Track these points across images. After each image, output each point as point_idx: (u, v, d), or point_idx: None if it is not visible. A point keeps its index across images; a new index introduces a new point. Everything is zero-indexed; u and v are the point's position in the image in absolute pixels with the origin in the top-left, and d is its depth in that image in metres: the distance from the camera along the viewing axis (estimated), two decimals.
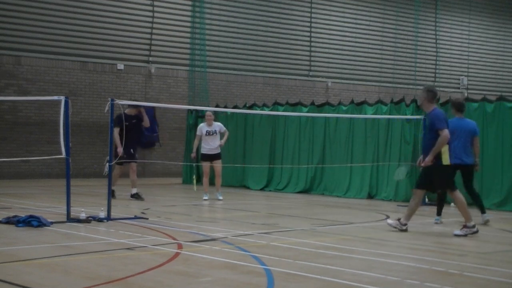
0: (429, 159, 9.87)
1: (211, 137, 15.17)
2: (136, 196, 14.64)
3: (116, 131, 13.81)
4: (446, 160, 9.91)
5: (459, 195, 10.00)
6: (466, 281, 6.67)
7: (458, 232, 9.81)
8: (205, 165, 15.30)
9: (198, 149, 15.60)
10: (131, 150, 14.54)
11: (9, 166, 20.43)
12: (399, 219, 10.24)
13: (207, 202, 14.69)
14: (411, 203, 10.25)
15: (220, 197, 15.18)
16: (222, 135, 15.39)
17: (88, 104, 22.07)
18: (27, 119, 21.20)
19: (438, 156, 9.88)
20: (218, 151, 15.27)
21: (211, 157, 15.22)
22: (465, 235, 9.71)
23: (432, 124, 10.02)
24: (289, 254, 7.87)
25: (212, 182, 15.98)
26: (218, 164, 15.38)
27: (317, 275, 6.68)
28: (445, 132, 9.82)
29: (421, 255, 8.12)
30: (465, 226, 9.79)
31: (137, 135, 15.19)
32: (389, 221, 10.41)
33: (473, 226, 9.77)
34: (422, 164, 10.05)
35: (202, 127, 15.24)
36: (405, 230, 10.12)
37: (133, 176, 14.79)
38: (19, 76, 21.09)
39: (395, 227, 10.16)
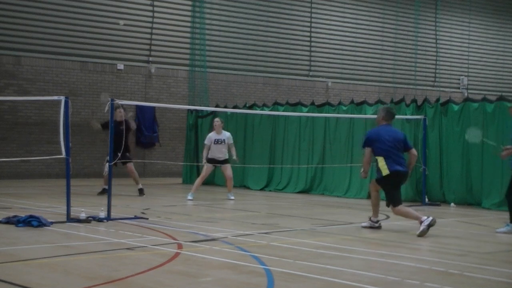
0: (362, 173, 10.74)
1: (219, 146, 15.12)
2: (140, 191, 15.66)
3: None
4: (385, 170, 10.14)
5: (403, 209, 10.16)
6: (466, 281, 6.67)
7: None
8: (207, 168, 15.25)
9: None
10: (119, 153, 14.43)
11: (9, 166, 20.43)
12: (370, 218, 10.58)
13: (191, 202, 14.53)
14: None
15: (232, 197, 15.27)
16: (228, 146, 15.29)
17: (88, 104, 22.07)
18: (27, 119, 21.20)
19: (378, 170, 10.25)
20: (225, 157, 15.27)
21: (217, 163, 15.24)
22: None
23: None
24: (289, 254, 7.87)
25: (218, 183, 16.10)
26: (227, 169, 15.35)
27: (317, 275, 6.68)
28: (366, 151, 10.45)
29: (421, 255, 8.13)
30: (420, 223, 9.78)
31: (121, 140, 14.71)
32: (363, 224, 10.69)
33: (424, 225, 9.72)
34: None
35: (211, 136, 15.14)
36: (379, 227, 10.42)
37: (132, 175, 15.67)
38: (19, 76, 21.10)
39: (370, 227, 10.46)
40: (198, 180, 15.46)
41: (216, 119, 15.47)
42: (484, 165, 14.56)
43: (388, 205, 10.29)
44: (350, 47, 28.51)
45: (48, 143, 20.86)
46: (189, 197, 14.93)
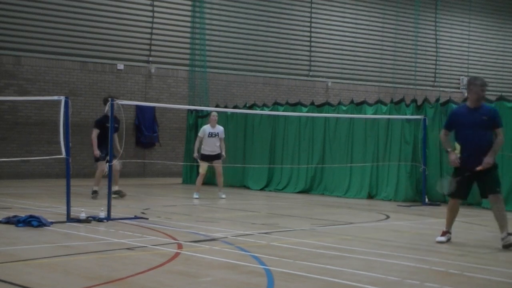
0: (490, 160, 9.02)
1: (213, 139, 15.45)
2: (117, 193, 14.70)
3: (96, 132, 14.64)
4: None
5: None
6: (466, 281, 6.67)
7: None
8: (203, 166, 15.53)
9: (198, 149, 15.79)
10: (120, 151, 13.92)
11: (9, 166, 20.43)
12: (506, 235, 8.74)
13: (197, 201, 14.92)
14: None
15: (223, 196, 15.48)
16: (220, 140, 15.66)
17: (88, 104, 22.07)
18: (27, 119, 21.20)
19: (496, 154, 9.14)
20: (219, 151, 15.51)
21: (211, 158, 15.53)
22: None
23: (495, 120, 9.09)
24: (289, 254, 7.87)
25: (214, 182, 16.20)
26: (218, 164, 15.63)
27: (317, 275, 6.68)
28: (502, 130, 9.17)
29: (421, 255, 8.12)
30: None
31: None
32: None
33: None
34: (481, 167, 9.03)
35: (206, 129, 15.48)
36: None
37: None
38: (19, 76, 21.10)
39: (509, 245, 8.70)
40: (199, 179, 15.83)
41: (214, 113, 15.79)
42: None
43: (491, 192, 8.98)
44: (350, 47, 28.52)
45: (48, 143, 20.86)
46: (195, 196, 15.34)
